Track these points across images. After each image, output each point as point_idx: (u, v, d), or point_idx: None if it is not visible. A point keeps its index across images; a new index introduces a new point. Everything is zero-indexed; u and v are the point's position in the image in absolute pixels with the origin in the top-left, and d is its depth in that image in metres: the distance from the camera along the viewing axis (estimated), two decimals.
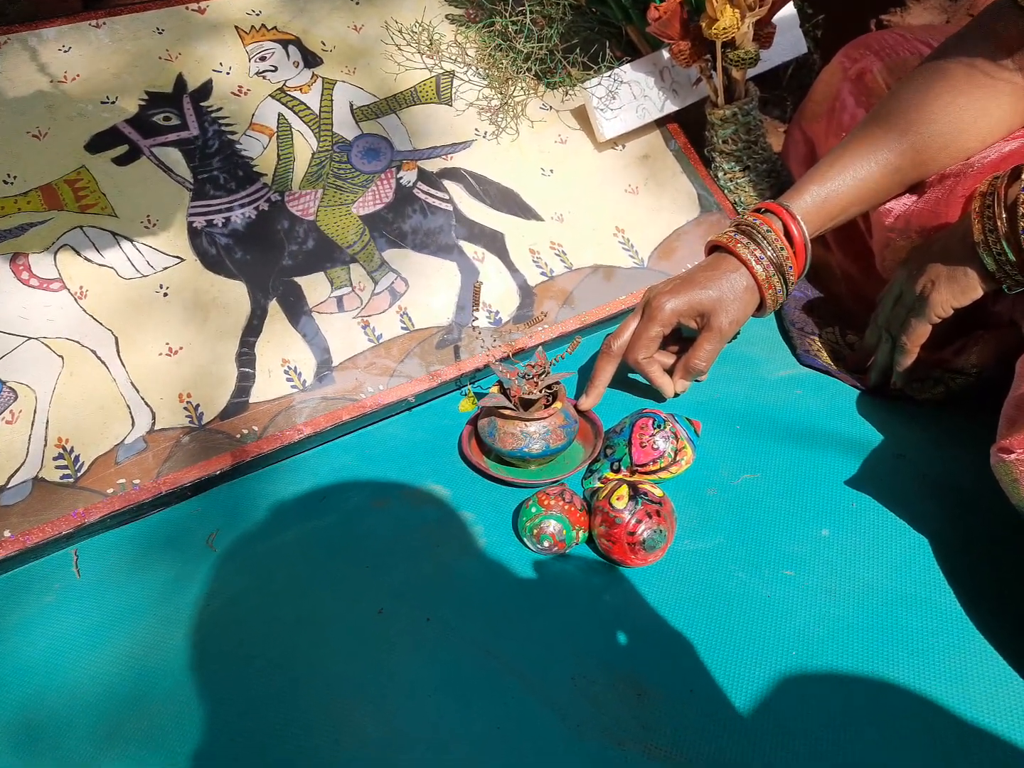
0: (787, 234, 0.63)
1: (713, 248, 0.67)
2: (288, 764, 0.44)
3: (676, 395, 0.68)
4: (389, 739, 0.45)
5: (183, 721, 0.47)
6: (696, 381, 0.70)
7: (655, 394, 0.71)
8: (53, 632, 0.54)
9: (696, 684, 0.48)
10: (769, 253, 0.62)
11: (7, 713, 0.49)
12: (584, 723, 0.45)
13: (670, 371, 0.68)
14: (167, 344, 0.70)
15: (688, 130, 0.93)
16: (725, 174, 0.90)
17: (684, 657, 0.49)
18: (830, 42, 1.03)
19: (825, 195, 0.63)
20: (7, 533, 0.60)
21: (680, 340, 0.70)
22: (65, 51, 0.79)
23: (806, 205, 0.63)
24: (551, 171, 0.87)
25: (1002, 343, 0.61)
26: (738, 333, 0.74)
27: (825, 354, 0.72)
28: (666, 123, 0.92)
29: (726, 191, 0.91)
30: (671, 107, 0.89)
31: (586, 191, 0.87)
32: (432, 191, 0.82)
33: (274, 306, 0.73)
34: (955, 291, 0.57)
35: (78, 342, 0.68)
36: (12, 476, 0.63)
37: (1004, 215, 0.52)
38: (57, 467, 0.63)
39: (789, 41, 0.90)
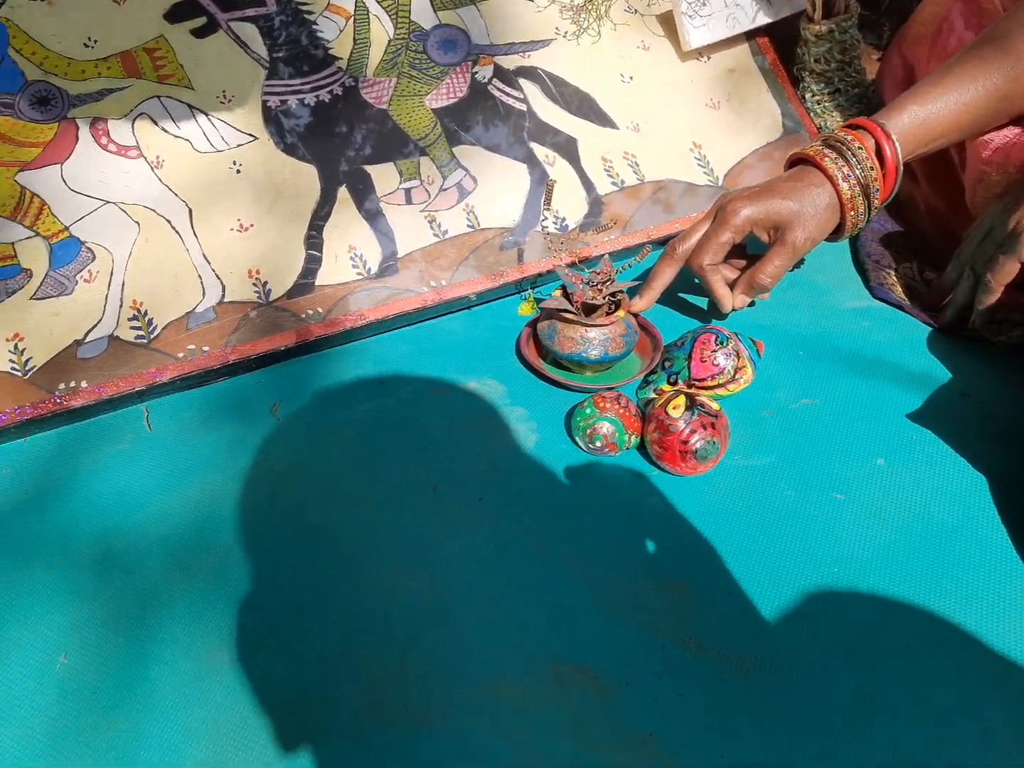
0: (879, 154, 0.60)
1: (796, 161, 0.65)
2: (340, 621, 0.47)
3: (734, 310, 0.67)
4: (438, 605, 0.47)
5: (245, 564, 0.50)
6: (758, 299, 0.68)
7: (711, 313, 0.70)
8: (127, 476, 0.58)
9: (734, 588, 0.49)
10: (857, 171, 0.60)
11: (88, 541, 0.53)
12: (623, 612, 0.47)
13: (731, 286, 0.67)
14: (238, 220, 0.71)
15: (779, 46, 0.88)
16: (813, 95, 0.86)
17: (725, 564, 0.50)
18: None
19: (924, 116, 0.60)
20: (84, 383, 0.63)
21: (745, 256, 0.68)
22: None
23: (902, 125, 0.60)
24: (630, 78, 0.84)
25: None
26: (802, 261, 0.72)
27: (899, 289, 0.70)
28: (756, 36, 0.88)
29: (812, 114, 0.87)
30: (764, 19, 0.85)
31: (665, 102, 0.84)
32: (507, 89, 0.80)
33: (343, 192, 0.73)
34: None
35: (154, 210, 0.69)
36: (89, 332, 0.65)
37: None
38: (132, 328, 0.66)
39: None
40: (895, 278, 0.72)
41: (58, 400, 0.62)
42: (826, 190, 0.61)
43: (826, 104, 0.86)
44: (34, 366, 0.63)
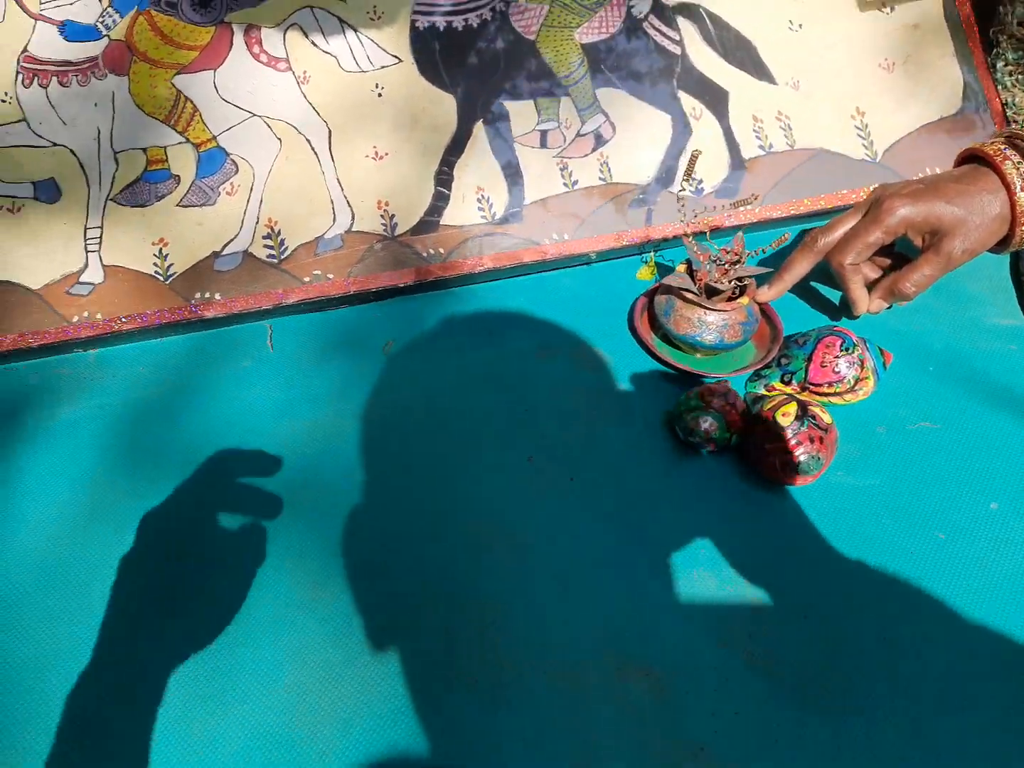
0: None
1: (970, 158, 0.59)
2: (425, 575, 0.51)
3: (869, 313, 0.63)
4: (518, 579, 0.50)
5: (346, 504, 0.54)
6: (896, 305, 0.64)
7: (842, 311, 0.67)
8: (248, 395, 0.62)
9: (811, 613, 0.49)
10: None
11: (208, 456, 0.58)
12: (695, 617, 0.48)
13: (870, 287, 0.63)
14: (374, 147, 0.71)
15: (977, 3, 0.78)
16: (1006, 65, 0.77)
17: (806, 586, 0.50)
18: None
19: None
20: (218, 295, 0.67)
21: (892, 254, 0.64)
22: None
23: None
24: (799, 26, 0.77)
25: None
26: None
27: None
28: None
29: (1000, 86, 0.77)
30: None
31: (833, 58, 0.76)
32: (663, 28, 0.75)
33: (479, 128, 0.72)
34: None
35: (296, 128, 0.70)
36: (227, 245, 0.68)
37: None
38: (265, 246, 0.69)
39: None
40: None
41: (194, 308, 0.66)
42: (999, 198, 0.55)
43: (1019, 76, 0.76)
44: (175, 273, 0.67)
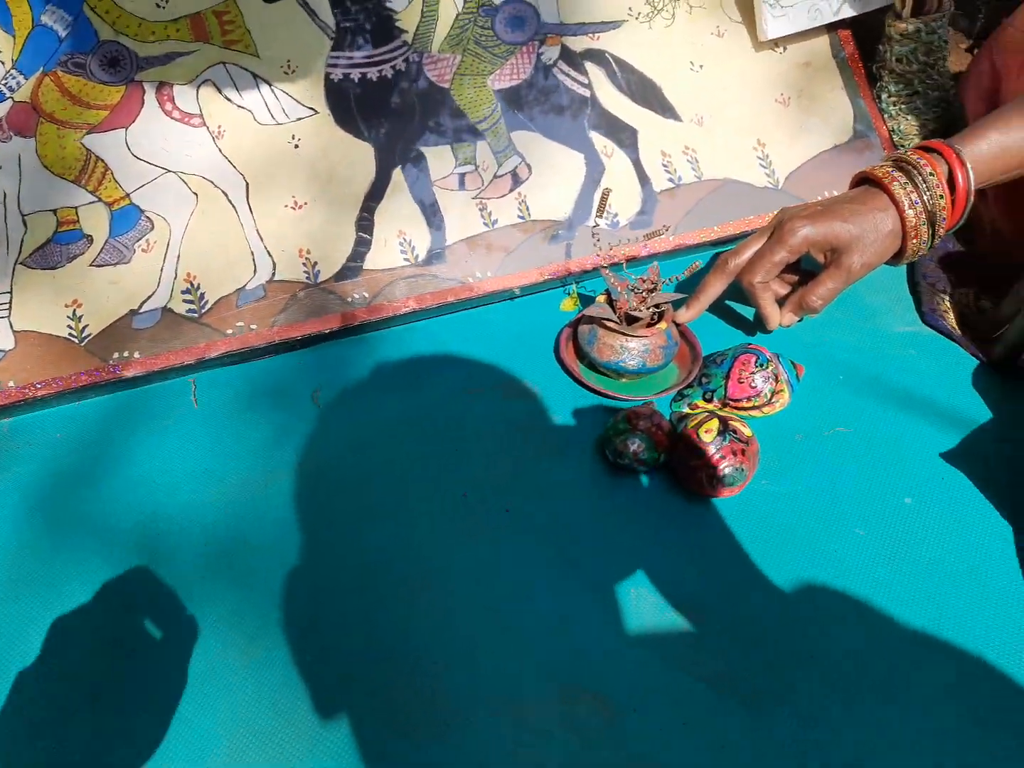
0: (950, 180, 0.58)
1: (862, 180, 0.63)
2: (362, 623, 0.50)
3: (782, 327, 0.66)
4: (455, 615, 0.49)
5: (277, 560, 0.53)
6: (807, 318, 0.67)
7: (756, 327, 0.70)
8: (172, 454, 0.61)
9: (749, 617, 0.50)
10: (925, 198, 0.58)
11: (132, 519, 0.56)
12: (638, 636, 0.49)
13: (780, 302, 0.66)
14: (293, 197, 0.72)
15: (859, 42, 0.84)
16: (890, 96, 0.82)
17: (741, 591, 0.52)
18: None
19: (1005, 145, 0.57)
20: (136, 354, 0.66)
21: (799, 271, 0.67)
22: None
23: (980, 152, 0.58)
24: (700, 67, 0.81)
25: None
26: None
27: (952, 316, 0.69)
28: (837, 28, 0.84)
29: (886, 115, 0.83)
30: (848, 11, 0.80)
31: (733, 95, 0.81)
32: (572, 72, 0.78)
33: (398, 174, 0.74)
34: None
35: (212, 182, 0.71)
36: (144, 303, 0.68)
37: None
38: (184, 301, 0.68)
39: None
40: (948, 304, 0.70)
41: (112, 369, 0.65)
42: (890, 215, 0.59)
43: (902, 107, 0.82)
44: (90, 334, 0.66)
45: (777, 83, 0.82)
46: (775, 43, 0.82)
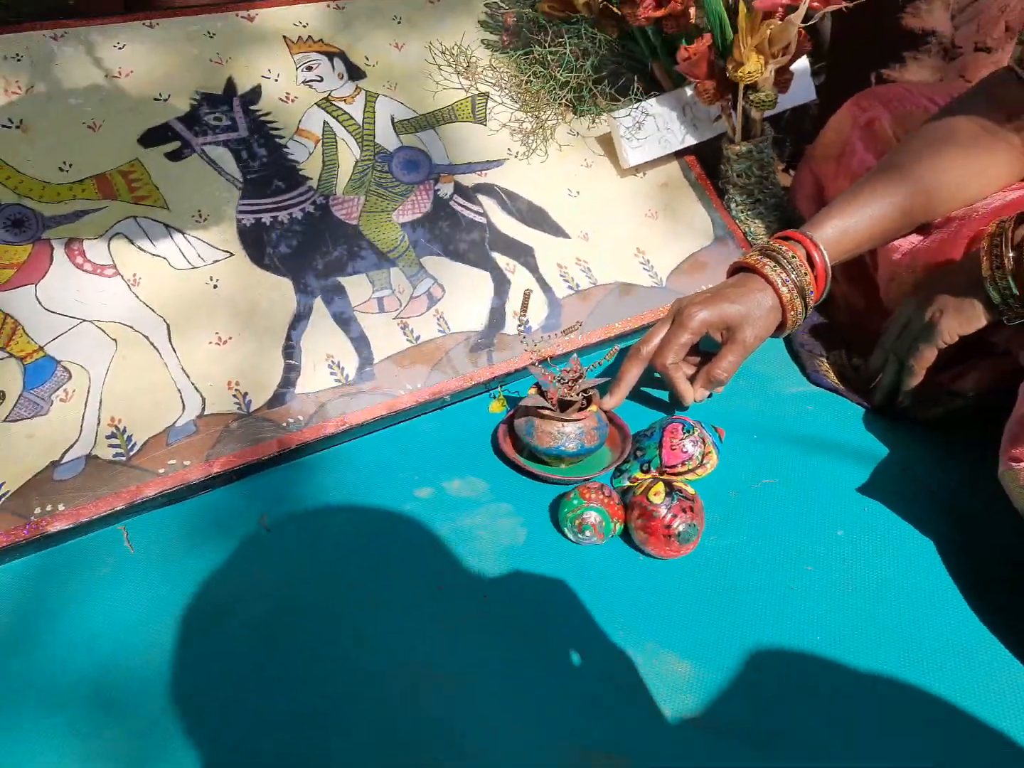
0: (809, 260, 0.69)
1: (738, 269, 0.73)
2: (354, 751, 0.47)
3: (695, 402, 0.73)
4: (456, 695, 0.48)
5: (245, 702, 0.49)
6: (714, 392, 0.75)
7: (673, 405, 0.76)
8: (114, 603, 0.56)
9: (733, 663, 0.52)
10: (793, 276, 0.68)
11: (77, 680, 0.51)
12: (634, 689, 0.49)
13: (690, 380, 0.73)
14: (216, 334, 0.72)
15: (704, 163, 0.99)
16: (737, 205, 0.97)
17: (718, 636, 0.54)
18: (829, 91, 1.12)
19: (844, 228, 0.69)
20: (61, 507, 0.62)
21: (699, 354, 0.75)
22: (119, 48, 0.82)
23: (826, 236, 0.69)
24: (577, 192, 0.92)
25: (996, 370, 0.67)
26: None
27: (832, 375, 0.78)
28: (684, 155, 0.98)
29: (738, 221, 0.97)
30: (691, 140, 0.95)
31: (609, 213, 0.92)
32: (467, 204, 0.87)
33: (319, 303, 0.77)
34: (961, 320, 0.63)
35: (131, 327, 0.70)
36: (66, 452, 0.64)
37: (1011, 254, 0.58)
38: (110, 445, 0.66)
39: (801, 87, 0.97)
40: (827, 365, 0.80)
41: (34, 526, 0.61)
42: (768, 294, 0.69)
43: (748, 213, 0.96)
44: (7, 492, 0.62)
45: (644, 201, 0.95)
46: (635, 169, 0.96)
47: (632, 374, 0.71)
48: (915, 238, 0.72)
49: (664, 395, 0.78)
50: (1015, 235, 0.59)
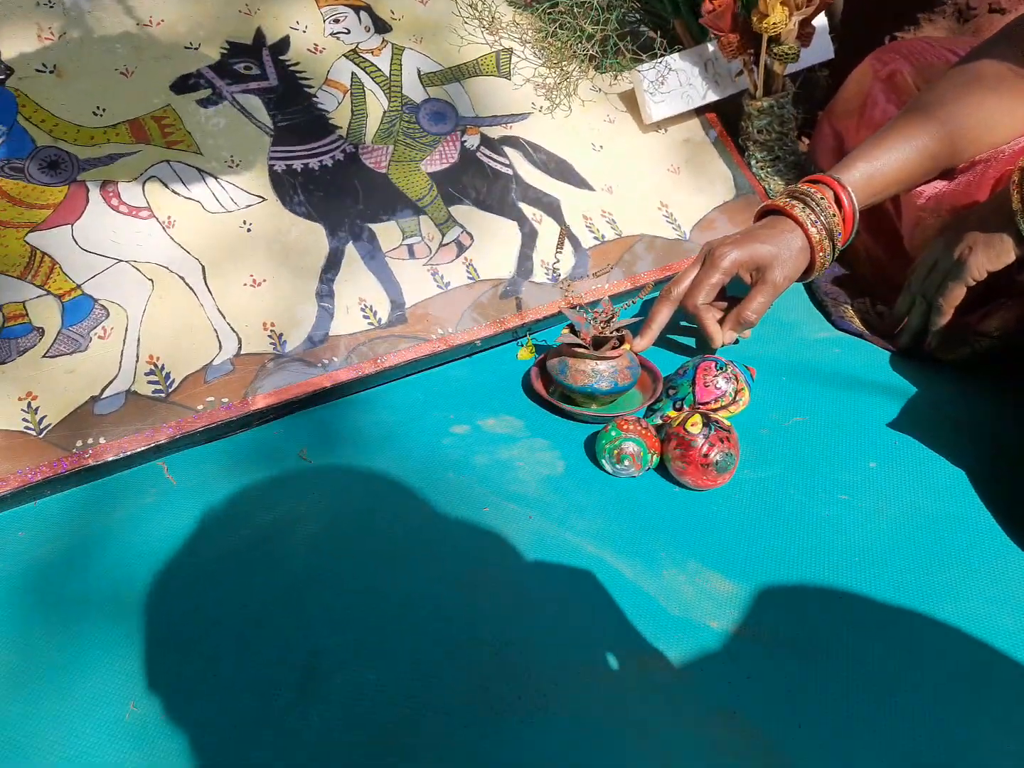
0: (837, 203, 0.70)
1: (766, 212, 0.73)
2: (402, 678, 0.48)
3: (723, 345, 0.73)
4: (508, 614, 0.49)
5: (298, 616, 0.50)
6: (741, 337, 0.75)
7: (699, 350, 0.77)
8: (160, 529, 0.57)
9: (771, 582, 0.53)
10: (823, 218, 0.69)
11: (132, 593, 0.52)
12: (681, 603, 0.50)
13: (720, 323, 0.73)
14: (251, 276, 0.73)
15: (726, 120, 1.00)
16: (757, 162, 0.97)
17: (758, 564, 0.55)
18: (844, 54, 1.12)
19: (872, 172, 0.70)
20: (102, 440, 0.63)
21: (726, 298, 0.76)
22: None
23: (854, 179, 0.70)
24: (601, 147, 0.93)
25: (1023, 309, 0.68)
26: None
27: (857, 321, 0.79)
28: (705, 112, 0.99)
29: (758, 177, 0.98)
30: (712, 96, 0.96)
31: (632, 168, 0.93)
32: (494, 155, 0.87)
33: (350, 249, 0.77)
34: (991, 255, 0.64)
35: (167, 268, 0.71)
36: (106, 388, 0.65)
37: None
38: (149, 382, 0.66)
39: (820, 45, 0.98)
40: (852, 312, 0.81)
41: (75, 458, 0.61)
42: (798, 235, 0.69)
43: (768, 169, 0.97)
44: (49, 424, 0.63)
45: (666, 156, 0.95)
46: (657, 125, 0.96)
47: (662, 315, 0.72)
48: (939, 183, 0.73)
49: (692, 341, 0.78)
50: None
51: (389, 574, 0.52)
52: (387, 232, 0.79)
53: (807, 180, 0.73)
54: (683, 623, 0.49)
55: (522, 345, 0.80)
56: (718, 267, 0.69)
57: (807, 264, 0.71)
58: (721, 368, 0.67)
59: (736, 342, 0.76)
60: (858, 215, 0.71)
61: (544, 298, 0.81)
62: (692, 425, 0.60)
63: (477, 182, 0.85)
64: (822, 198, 0.70)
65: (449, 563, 0.52)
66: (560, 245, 0.70)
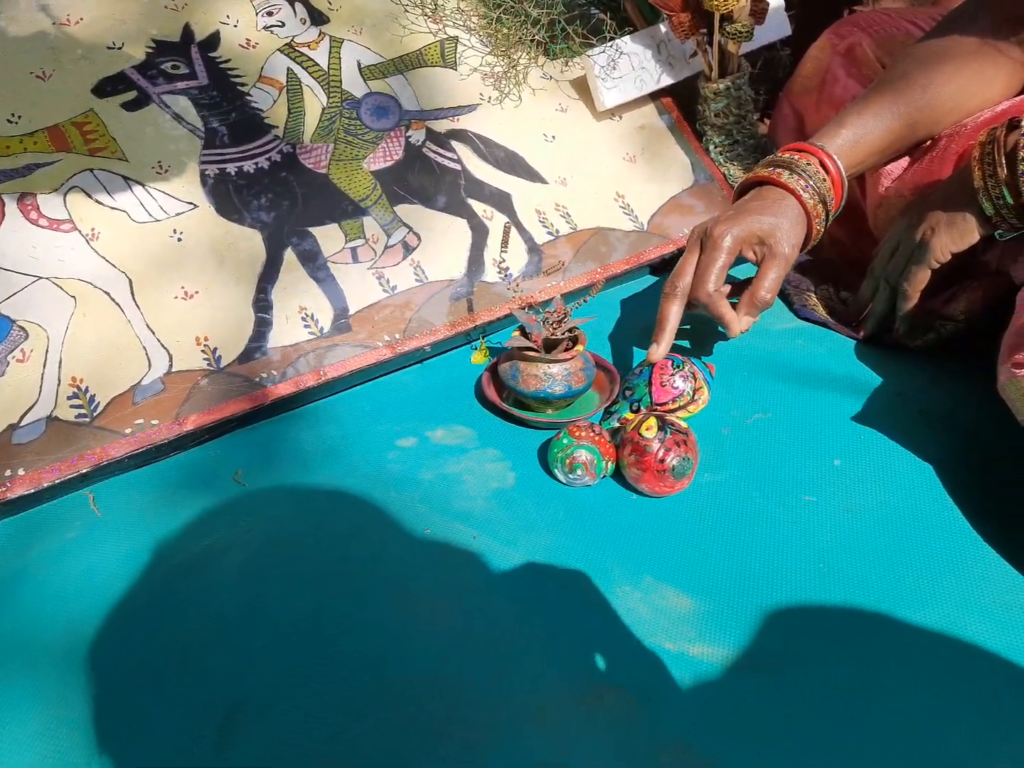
0: (824, 169, 0.65)
1: (749, 186, 0.68)
2: (343, 692, 0.45)
3: (742, 332, 0.66)
4: (449, 641, 0.46)
5: (224, 654, 0.47)
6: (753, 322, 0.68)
7: (697, 347, 0.72)
8: (82, 566, 0.53)
9: (731, 595, 0.50)
10: (812, 183, 0.64)
11: (50, 640, 0.48)
12: (634, 623, 0.47)
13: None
14: (182, 288, 0.69)
15: (682, 105, 0.96)
16: (716, 147, 0.94)
17: (718, 574, 0.52)
18: (802, 30, 1.09)
19: (854, 139, 0.66)
20: (21, 471, 0.59)
21: (727, 282, 0.68)
22: None
23: (838, 146, 0.66)
24: (553, 137, 0.89)
25: (988, 291, 0.66)
26: None
27: (821, 309, 0.76)
28: (660, 97, 0.96)
29: (716, 163, 0.94)
30: (667, 80, 0.92)
31: (586, 158, 0.89)
32: (440, 150, 0.84)
33: (289, 255, 0.73)
34: (954, 236, 0.61)
35: (91, 283, 0.67)
36: (25, 415, 0.61)
37: (1004, 161, 0.56)
38: (72, 406, 0.62)
39: (775, 22, 0.95)
40: (815, 300, 0.78)
41: None
42: (792, 203, 0.64)
43: (728, 154, 0.94)
44: None
45: (621, 145, 0.92)
46: (612, 112, 0.93)
47: (674, 314, 0.64)
48: (903, 162, 0.70)
49: (685, 342, 0.73)
50: (1007, 141, 0.57)
51: (321, 605, 0.48)
52: (328, 236, 0.75)
53: (787, 148, 0.68)
54: (635, 647, 0.46)
55: (475, 348, 0.76)
56: (721, 248, 0.63)
57: (804, 234, 0.66)
58: (678, 366, 0.64)
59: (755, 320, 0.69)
60: (847, 182, 0.66)
61: (497, 298, 0.77)
62: (647, 430, 0.57)
63: (423, 179, 0.81)
64: (808, 164, 0.65)
65: (384, 593, 0.49)
66: (505, 242, 0.66)
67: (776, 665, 0.46)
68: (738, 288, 0.67)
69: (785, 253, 0.63)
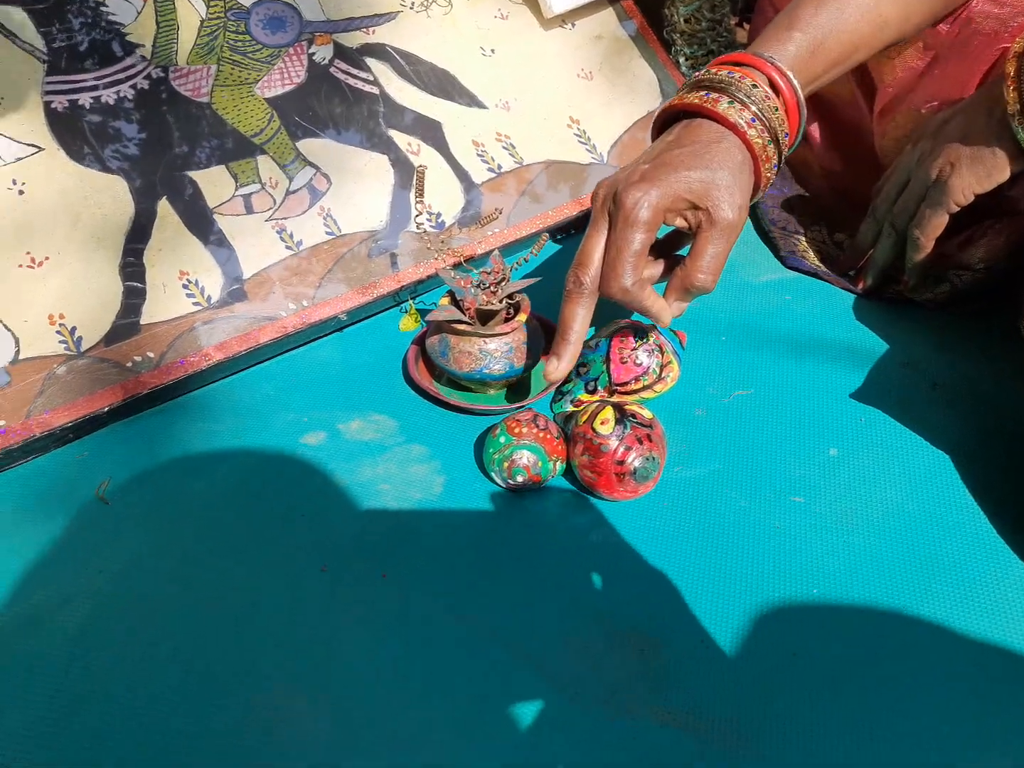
0: (773, 90, 0.49)
1: (672, 118, 0.51)
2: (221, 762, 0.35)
3: (676, 317, 0.50)
4: (338, 735, 0.35)
5: (73, 716, 0.37)
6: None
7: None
8: None
9: (705, 634, 0.40)
10: (761, 112, 0.48)
11: None
12: (584, 691, 0.37)
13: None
14: (28, 254, 0.56)
15: (646, 10, 0.81)
16: (686, 59, 0.80)
17: (689, 602, 0.42)
18: None
19: (812, 45, 0.50)
20: None
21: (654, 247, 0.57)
22: None
23: (791, 56, 0.50)
24: (492, 51, 0.75)
25: (1014, 233, 0.54)
26: None
27: (812, 255, 0.65)
28: (620, 0, 0.81)
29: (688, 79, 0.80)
30: None
31: (534, 75, 0.75)
32: (353, 71, 0.69)
33: (164, 207, 0.60)
34: (979, 174, 0.49)
35: None
36: None
37: None
38: None
39: None
40: (805, 244, 0.66)
41: None
42: (732, 143, 0.48)
43: (701, 68, 0.80)
44: None
45: (574, 59, 0.77)
46: (562, 19, 0.78)
47: (580, 318, 0.48)
48: (917, 61, 0.56)
49: (633, 314, 0.62)
50: None
51: (175, 676, 0.38)
52: (214, 181, 0.61)
53: (720, 62, 0.50)
54: (580, 716, 0.36)
55: (404, 312, 0.64)
56: (636, 223, 0.45)
57: (752, 184, 0.49)
58: (641, 338, 0.52)
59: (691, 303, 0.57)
60: (805, 109, 0.51)
61: (428, 252, 0.64)
62: (602, 424, 0.46)
63: (332, 107, 0.67)
64: (753, 85, 0.48)
65: (261, 655, 0.38)
66: (419, 191, 0.53)
67: (745, 739, 0.37)
68: (663, 251, 0.52)
69: (729, 219, 0.46)
